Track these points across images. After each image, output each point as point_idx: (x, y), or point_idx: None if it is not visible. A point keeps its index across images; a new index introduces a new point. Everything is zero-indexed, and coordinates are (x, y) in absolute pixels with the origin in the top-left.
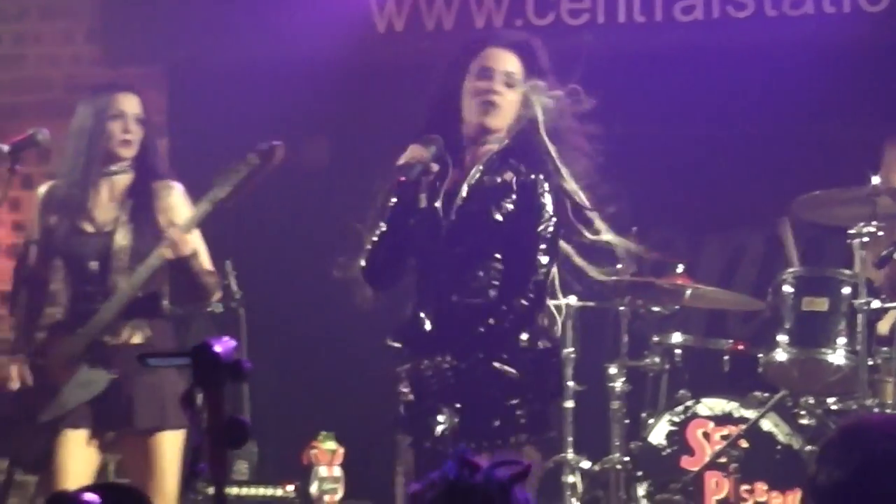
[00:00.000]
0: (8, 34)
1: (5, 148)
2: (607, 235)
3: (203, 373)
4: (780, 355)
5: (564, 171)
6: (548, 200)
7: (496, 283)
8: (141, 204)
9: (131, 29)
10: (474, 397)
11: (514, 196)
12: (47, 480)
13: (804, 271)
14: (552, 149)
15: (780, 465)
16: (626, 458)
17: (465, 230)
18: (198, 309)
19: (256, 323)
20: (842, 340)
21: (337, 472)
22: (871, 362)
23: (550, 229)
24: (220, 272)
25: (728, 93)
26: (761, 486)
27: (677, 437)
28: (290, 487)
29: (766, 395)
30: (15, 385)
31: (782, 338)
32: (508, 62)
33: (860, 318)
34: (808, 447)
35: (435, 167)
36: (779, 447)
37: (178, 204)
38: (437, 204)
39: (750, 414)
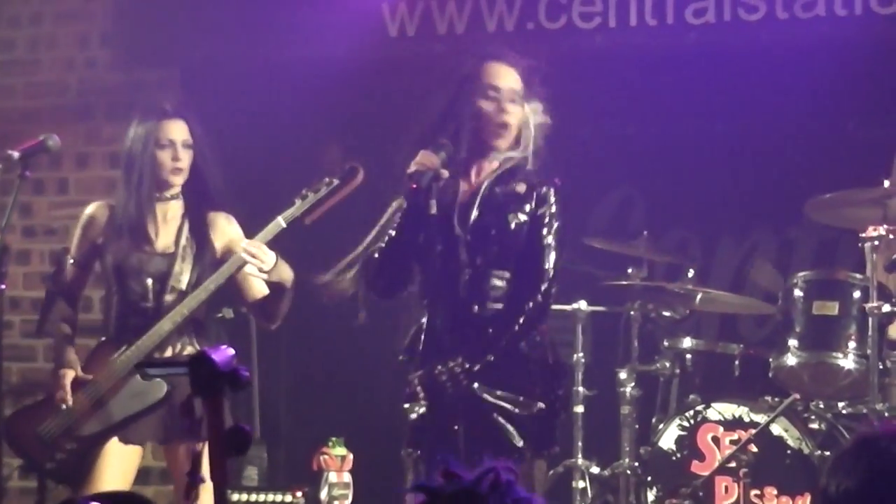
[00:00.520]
0: (23, 39)
1: (16, 154)
2: None
3: (201, 381)
4: (791, 359)
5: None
6: (557, 208)
7: (510, 292)
8: (198, 230)
9: (145, 32)
10: (484, 411)
11: (526, 206)
12: (83, 492)
13: (815, 275)
14: None
15: (790, 470)
16: (636, 463)
17: (481, 242)
18: (268, 323)
19: (267, 329)
20: (852, 344)
21: (346, 478)
22: (881, 366)
23: (560, 237)
24: None
25: (740, 96)
26: (771, 491)
27: (687, 441)
28: (300, 493)
29: (777, 399)
30: (69, 401)
31: (793, 342)
32: (513, 80)
33: (871, 321)
34: (818, 452)
35: (445, 173)
36: (789, 452)
37: (234, 233)
38: (454, 218)
39: (760, 418)
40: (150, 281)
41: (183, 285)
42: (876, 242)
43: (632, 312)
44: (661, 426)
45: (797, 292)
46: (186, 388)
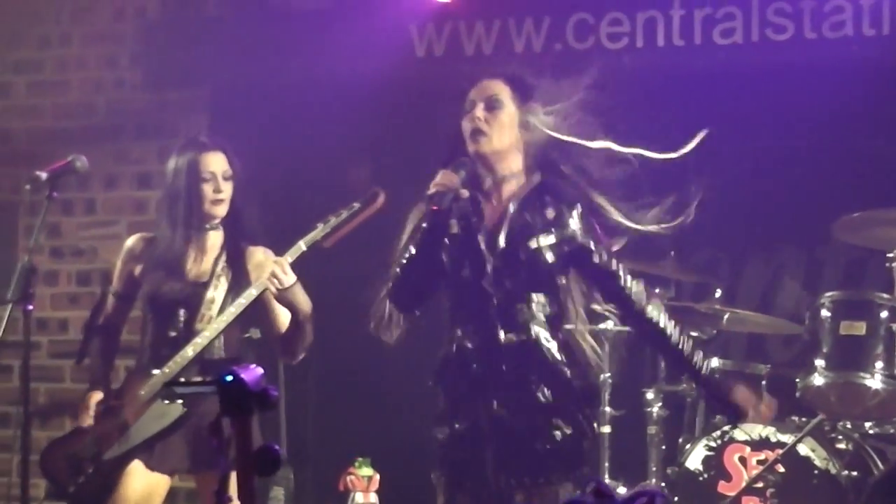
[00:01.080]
0: (51, 60)
1: (44, 175)
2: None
3: (230, 401)
4: (818, 379)
5: (597, 196)
6: (582, 230)
7: (540, 316)
8: (234, 260)
9: (174, 53)
10: (513, 435)
11: (553, 230)
12: None
13: (842, 295)
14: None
15: (817, 490)
16: (663, 484)
17: (511, 267)
18: (288, 359)
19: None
20: (879, 364)
21: (373, 498)
22: None
23: (594, 259)
24: None
25: (768, 115)
26: None
27: (714, 462)
28: None
29: (804, 419)
30: (89, 420)
31: (820, 362)
32: (492, 88)
33: None
34: (846, 472)
35: (465, 193)
36: (816, 472)
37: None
38: (481, 244)
39: (787, 438)
40: (182, 311)
41: (215, 312)
42: None
43: None
44: (687, 446)
45: (824, 312)
46: (205, 409)
